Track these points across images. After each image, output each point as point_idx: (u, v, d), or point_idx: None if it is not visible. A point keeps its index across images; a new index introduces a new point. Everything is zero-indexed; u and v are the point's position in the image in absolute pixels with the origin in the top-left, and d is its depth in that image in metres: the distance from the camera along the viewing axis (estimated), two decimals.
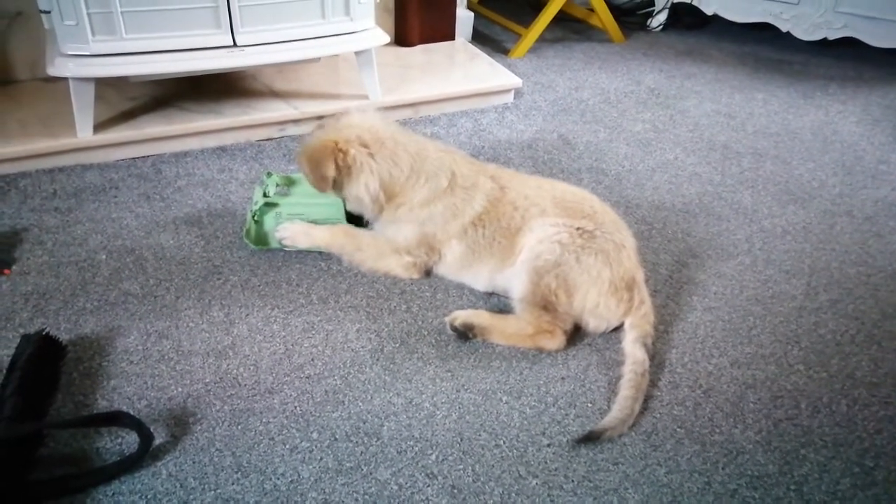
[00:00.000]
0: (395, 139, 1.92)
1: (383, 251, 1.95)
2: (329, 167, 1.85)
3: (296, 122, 2.65)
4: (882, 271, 2.10)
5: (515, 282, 1.80)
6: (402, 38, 3.31)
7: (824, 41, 3.50)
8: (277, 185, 2.11)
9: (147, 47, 2.27)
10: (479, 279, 1.92)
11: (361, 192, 1.90)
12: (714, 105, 3.12)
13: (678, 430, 1.57)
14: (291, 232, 2.00)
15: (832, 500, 1.43)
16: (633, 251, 1.84)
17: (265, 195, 2.08)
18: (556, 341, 1.73)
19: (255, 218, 2.04)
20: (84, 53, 2.22)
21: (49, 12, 2.17)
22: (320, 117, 2.66)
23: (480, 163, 2.02)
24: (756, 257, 2.14)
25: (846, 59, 3.61)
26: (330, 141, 1.87)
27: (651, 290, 1.95)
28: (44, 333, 1.64)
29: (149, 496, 1.38)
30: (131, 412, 1.52)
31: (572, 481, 1.45)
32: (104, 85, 2.57)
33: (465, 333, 1.76)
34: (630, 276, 1.78)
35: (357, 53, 2.63)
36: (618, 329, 1.79)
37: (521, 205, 1.87)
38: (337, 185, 1.91)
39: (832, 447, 1.55)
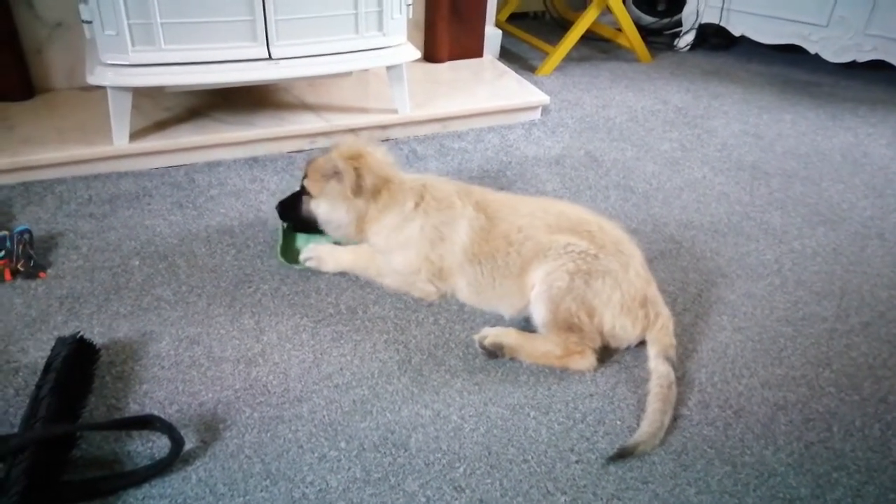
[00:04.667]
0: (390, 177, 1.98)
1: (397, 278, 1.96)
2: (372, 177, 1.93)
3: (326, 134, 2.68)
4: None
5: (535, 313, 1.79)
6: (431, 54, 3.34)
7: (853, 64, 3.49)
8: None
9: (185, 58, 2.32)
10: (503, 312, 1.90)
11: (345, 219, 1.99)
12: (742, 125, 3.11)
13: (708, 450, 1.56)
14: (317, 254, 2.02)
15: None
16: (640, 265, 1.81)
17: None
18: (586, 361, 1.72)
19: (286, 231, 2.05)
20: (123, 63, 2.27)
21: (90, 22, 2.22)
22: (351, 130, 2.71)
23: (466, 185, 2.01)
24: (786, 278, 2.13)
25: (876, 82, 3.59)
26: (369, 159, 1.96)
27: (679, 309, 1.94)
28: (78, 336, 1.66)
29: (179, 500, 1.39)
30: (162, 416, 1.53)
31: (601, 499, 1.44)
32: (140, 95, 2.62)
33: (493, 353, 1.75)
34: (641, 294, 1.76)
35: (388, 68, 2.66)
36: (644, 343, 1.78)
37: (515, 238, 1.83)
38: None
39: (865, 472, 1.52)
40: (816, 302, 2.03)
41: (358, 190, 1.92)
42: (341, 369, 1.72)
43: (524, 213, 1.88)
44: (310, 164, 2.03)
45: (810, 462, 1.54)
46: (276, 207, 2.12)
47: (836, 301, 2.04)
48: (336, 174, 1.93)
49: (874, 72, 3.59)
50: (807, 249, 2.27)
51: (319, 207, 2.01)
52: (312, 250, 2.03)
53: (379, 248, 1.98)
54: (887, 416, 1.66)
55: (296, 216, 2.07)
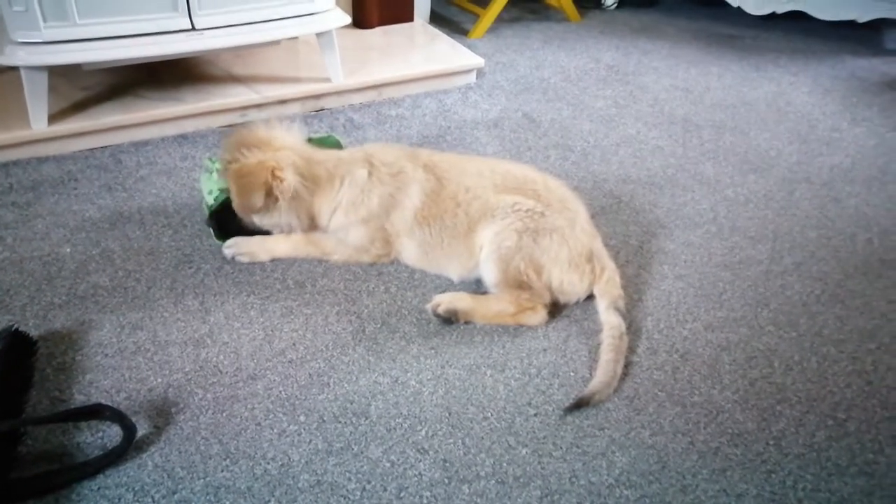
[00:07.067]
0: (312, 158, 1.88)
1: (350, 253, 1.93)
2: (259, 198, 1.79)
3: (258, 106, 2.60)
4: (841, 233, 2.18)
5: (485, 273, 1.80)
6: (360, 20, 3.27)
7: (773, 15, 3.59)
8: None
9: (102, 33, 2.19)
10: (451, 275, 1.91)
11: (294, 221, 1.89)
12: (671, 80, 3.17)
13: (659, 393, 1.61)
14: (248, 249, 1.93)
15: (809, 452, 1.49)
16: (586, 221, 1.85)
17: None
18: (538, 316, 1.75)
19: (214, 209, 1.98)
20: (35, 41, 2.13)
21: None
22: (283, 101, 2.64)
23: (411, 149, 1.99)
24: (721, 225, 2.20)
25: (795, 32, 3.72)
26: (265, 167, 1.79)
27: (622, 261, 1.99)
28: (13, 330, 1.58)
29: (136, 488, 1.36)
30: (111, 405, 1.48)
31: (561, 448, 1.47)
32: (56, 75, 2.47)
33: (448, 319, 1.76)
34: (587, 249, 1.80)
35: (318, 35, 2.59)
36: (592, 297, 1.81)
37: (462, 199, 1.83)
38: (263, 210, 1.84)
39: (806, 402, 1.61)
40: (751, 246, 2.11)
41: (247, 211, 1.82)
42: (294, 344, 1.69)
43: (471, 173, 1.88)
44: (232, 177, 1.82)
45: (755, 397, 1.61)
46: (210, 224, 1.95)
47: (769, 244, 2.12)
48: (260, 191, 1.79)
49: (792, 22, 3.71)
50: (739, 197, 2.35)
51: (264, 221, 1.90)
52: (238, 245, 1.92)
53: (335, 227, 1.91)
54: (823, 349, 1.75)
55: (239, 230, 1.93)
